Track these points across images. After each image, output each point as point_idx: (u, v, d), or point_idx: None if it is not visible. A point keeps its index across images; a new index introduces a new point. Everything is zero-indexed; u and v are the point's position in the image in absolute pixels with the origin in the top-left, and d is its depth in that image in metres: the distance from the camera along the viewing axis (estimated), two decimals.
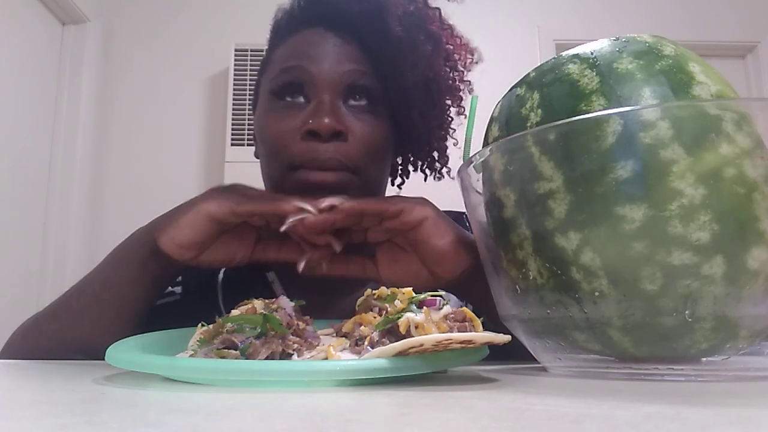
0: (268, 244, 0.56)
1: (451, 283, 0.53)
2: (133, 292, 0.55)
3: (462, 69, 0.69)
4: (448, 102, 0.69)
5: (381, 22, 0.61)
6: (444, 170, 0.72)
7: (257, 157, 0.67)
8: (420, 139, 0.67)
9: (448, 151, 0.72)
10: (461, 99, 0.70)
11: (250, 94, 2.28)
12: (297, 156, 0.57)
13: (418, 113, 0.64)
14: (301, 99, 0.60)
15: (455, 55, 0.68)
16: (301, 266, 0.54)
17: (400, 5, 0.63)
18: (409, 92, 0.62)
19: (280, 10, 0.68)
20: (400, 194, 0.61)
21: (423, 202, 0.53)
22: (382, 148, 0.62)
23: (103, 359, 0.36)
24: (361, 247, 0.56)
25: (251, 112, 0.71)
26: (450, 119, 0.70)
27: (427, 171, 0.73)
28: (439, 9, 0.67)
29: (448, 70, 0.67)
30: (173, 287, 0.66)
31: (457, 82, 0.69)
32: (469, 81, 0.70)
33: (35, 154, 2.17)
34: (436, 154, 0.71)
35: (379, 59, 0.62)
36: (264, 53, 0.69)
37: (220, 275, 0.68)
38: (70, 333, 0.55)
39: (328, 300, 0.62)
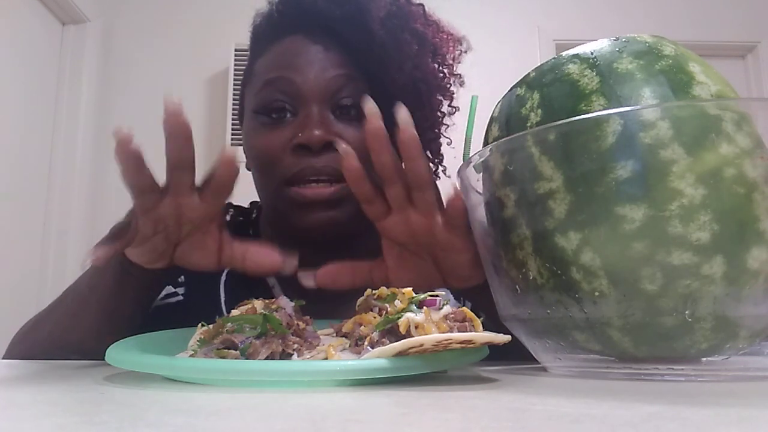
0: (233, 248, 0.49)
1: (461, 289, 0.52)
2: (120, 297, 0.52)
3: (451, 62, 0.68)
4: (440, 98, 0.67)
5: (363, 25, 0.60)
6: (439, 169, 0.71)
7: (249, 169, 0.65)
8: None
9: (441, 149, 0.71)
10: (452, 93, 0.68)
11: None
12: (288, 170, 0.56)
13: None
14: (288, 114, 0.58)
15: (443, 49, 0.67)
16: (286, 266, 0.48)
17: (382, 7, 0.61)
18: (397, 95, 0.60)
19: (258, 15, 0.67)
20: None
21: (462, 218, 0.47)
22: None
23: (101, 359, 0.36)
24: (359, 245, 0.55)
25: (238, 122, 0.69)
26: (442, 115, 0.69)
27: None
28: (422, 5, 0.66)
29: (436, 66, 0.66)
30: (176, 288, 0.65)
31: (447, 76, 0.67)
32: (460, 74, 0.69)
33: (35, 154, 2.17)
34: (429, 154, 0.70)
35: (364, 62, 0.60)
36: (247, 63, 0.67)
37: (223, 277, 0.68)
38: (63, 334, 0.54)
39: (329, 306, 0.62)
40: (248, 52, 0.68)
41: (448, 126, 0.71)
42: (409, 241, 0.49)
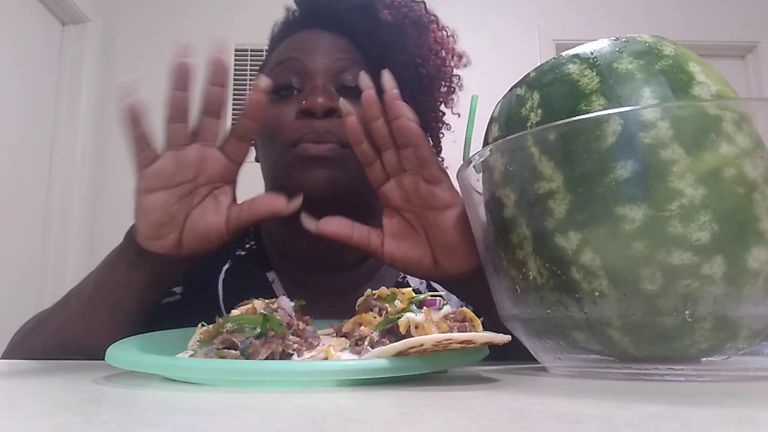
0: (240, 206, 0.51)
1: (452, 278, 0.53)
2: (125, 294, 0.53)
3: (450, 65, 0.71)
4: (441, 84, 0.71)
5: (369, 11, 0.64)
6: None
7: (257, 161, 0.68)
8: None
9: (441, 142, 0.74)
10: (452, 91, 0.72)
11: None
12: (294, 132, 0.59)
13: (409, 96, 0.65)
14: (295, 91, 0.62)
15: (442, 51, 0.70)
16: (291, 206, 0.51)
17: None
18: (399, 76, 0.62)
19: (276, 24, 0.71)
20: None
21: (457, 191, 0.51)
22: None
23: (101, 359, 0.36)
24: (367, 218, 0.56)
25: None
26: (441, 112, 0.72)
27: None
28: (424, 2, 0.69)
29: (436, 61, 0.69)
30: (174, 286, 0.66)
31: (446, 75, 0.70)
32: (459, 76, 0.72)
33: (35, 154, 2.17)
34: (429, 141, 0.72)
35: (368, 48, 0.64)
36: (264, 54, 0.72)
37: (221, 275, 0.68)
38: (66, 333, 0.55)
39: (329, 300, 0.62)
40: (267, 53, 0.72)
41: (447, 124, 0.73)
42: (404, 205, 0.53)
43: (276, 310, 0.38)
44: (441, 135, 0.74)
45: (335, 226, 0.52)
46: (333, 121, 0.58)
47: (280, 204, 0.51)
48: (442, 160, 0.73)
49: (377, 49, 0.64)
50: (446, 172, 0.51)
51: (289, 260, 0.68)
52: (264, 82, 0.49)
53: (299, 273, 0.67)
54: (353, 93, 0.61)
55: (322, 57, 0.62)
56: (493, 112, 0.48)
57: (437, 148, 0.74)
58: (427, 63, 0.67)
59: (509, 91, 0.46)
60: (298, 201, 0.51)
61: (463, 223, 0.49)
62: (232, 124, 0.51)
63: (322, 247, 0.56)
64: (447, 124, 0.73)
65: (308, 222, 0.52)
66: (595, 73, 0.40)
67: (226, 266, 0.68)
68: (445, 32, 0.71)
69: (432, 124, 0.72)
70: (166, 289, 0.57)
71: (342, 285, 0.65)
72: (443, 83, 0.71)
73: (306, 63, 0.61)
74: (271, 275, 0.68)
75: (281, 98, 0.61)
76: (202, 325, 0.40)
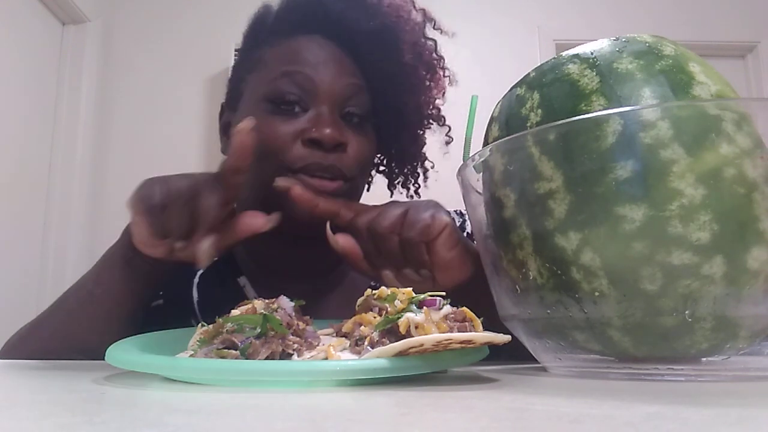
0: (224, 229, 0.51)
1: (447, 288, 0.53)
2: (125, 289, 0.54)
3: (440, 99, 0.72)
4: (431, 124, 0.72)
5: (394, 49, 0.63)
6: (420, 189, 0.74)
7: (224, 154, 0.66)
8: (409, 159, 0.71)
9: (422, 179, 0.75)
10: (443, 120, 0.73)
11: None
12: (297, 161, 0.57)
13: (410, 136, 0.67)
14: (297, 108, 0.60)
15: (439, 86, 0.71)
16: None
17: (408, 33, 0.65)
18: (405, 115, 0.65)
19: (264, 6, 0.68)
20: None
21: (437, 207, 0.51)
22: (371, 161, 0.65)
23: (101, 359, 0.36)
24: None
25: (227, 104, 0.69)
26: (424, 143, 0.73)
27: (403, 189, 0.74)
28: (435, 41, 0.69)
29: (435, 101, 0.71)
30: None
31: (440, 112, 0.72)
32: (444, 117, 0.73)
33: (35, 154, 2.17)
34: (420, 170, 0.73)
35: (377, 79, 0.63)
36: (246, 50, 0.68)
37: (196, 279, 0.68)
38: (66, 331, 0.55)
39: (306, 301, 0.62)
40: (249, 38, 0.69)
41: (432, 163, 0.74)
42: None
43: (276, 310, 0.38)
44: (427, 176, 0.75)
45: (351, 244, 0.52)
46: (337, 156, 0.58)
47: (260, 223, 0.51)
48: (417, 189, 0.74)
49: (388, 86, 0.63)
50: (414, 206, 0.51)
51: (260, 265, 0.68)
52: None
53: (270, 278, 0.66)
54: (353, 120, 0.61)
55: (333, 79, 0.60)
56: (493, 112, 0.48)
57: (425, 178, 0.74)
58: (427, 105, 0.69)
59: (509, 91, 0.46)
60: (274, 218, 0.51)
61: (452, 239, 0.50)
62: (219, 169, 0.49)
63: (294, 254, 0.56)
64: (432, 162, 0.74)
65: (332, 238, 0.52)
66: (595, 73, 0.40)
67: (201, 271, 0.68)
68: (446, 71, 0.71)
69: (423, 162, 0.73)
70: (158, 288, 0.58)
71: (312, 291, 0.64)
72: (439, 122, 0.72)
73: (317, 82, 0.59)
74: (242, 280, 0.67)
75: (282, 113, 0.59)
76: (202, 325, 0.40)
